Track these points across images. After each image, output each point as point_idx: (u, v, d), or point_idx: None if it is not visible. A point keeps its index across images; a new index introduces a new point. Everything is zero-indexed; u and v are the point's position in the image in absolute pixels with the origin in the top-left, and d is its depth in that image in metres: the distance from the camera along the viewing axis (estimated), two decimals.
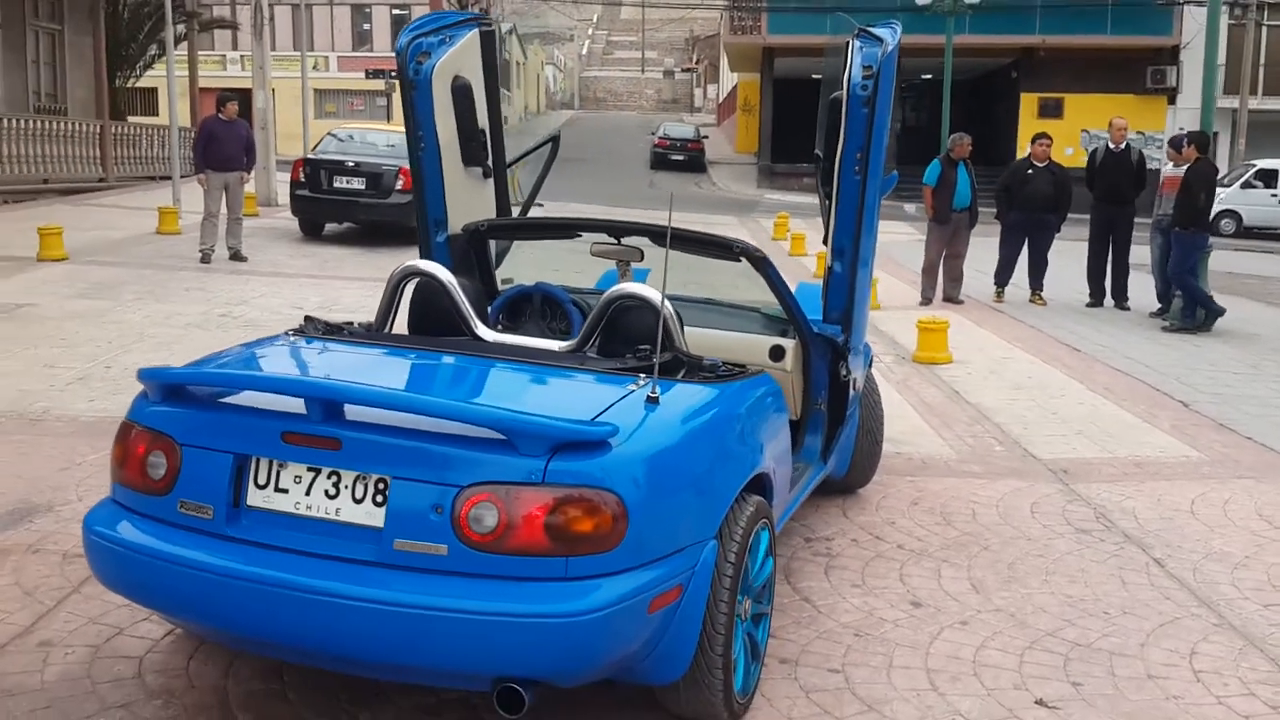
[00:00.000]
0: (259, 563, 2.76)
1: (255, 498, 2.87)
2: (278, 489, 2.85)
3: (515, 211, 5.65)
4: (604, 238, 4.64)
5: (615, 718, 3.34)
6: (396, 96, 38.26)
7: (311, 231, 15.55)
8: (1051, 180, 11.99)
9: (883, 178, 4.72)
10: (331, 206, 15.04)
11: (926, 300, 12.04)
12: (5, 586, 4.05)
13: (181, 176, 17.45)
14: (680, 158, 38.22)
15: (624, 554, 2.76)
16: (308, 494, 2.82)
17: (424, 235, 4.93)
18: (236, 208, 13.06)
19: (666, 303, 3.66)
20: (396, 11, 38.58)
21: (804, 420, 4.84)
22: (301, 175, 15.03)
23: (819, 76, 38.09)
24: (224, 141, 12.79)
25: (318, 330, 3.68)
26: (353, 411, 2.81)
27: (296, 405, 2.83)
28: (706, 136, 42.64)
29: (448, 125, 4.84)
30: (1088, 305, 12.15)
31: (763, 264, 4.30)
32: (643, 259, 4.73)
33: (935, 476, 5.91)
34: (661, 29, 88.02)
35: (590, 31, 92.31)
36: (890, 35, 4.64)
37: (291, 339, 3.61)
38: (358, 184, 14.66)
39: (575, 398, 3.17)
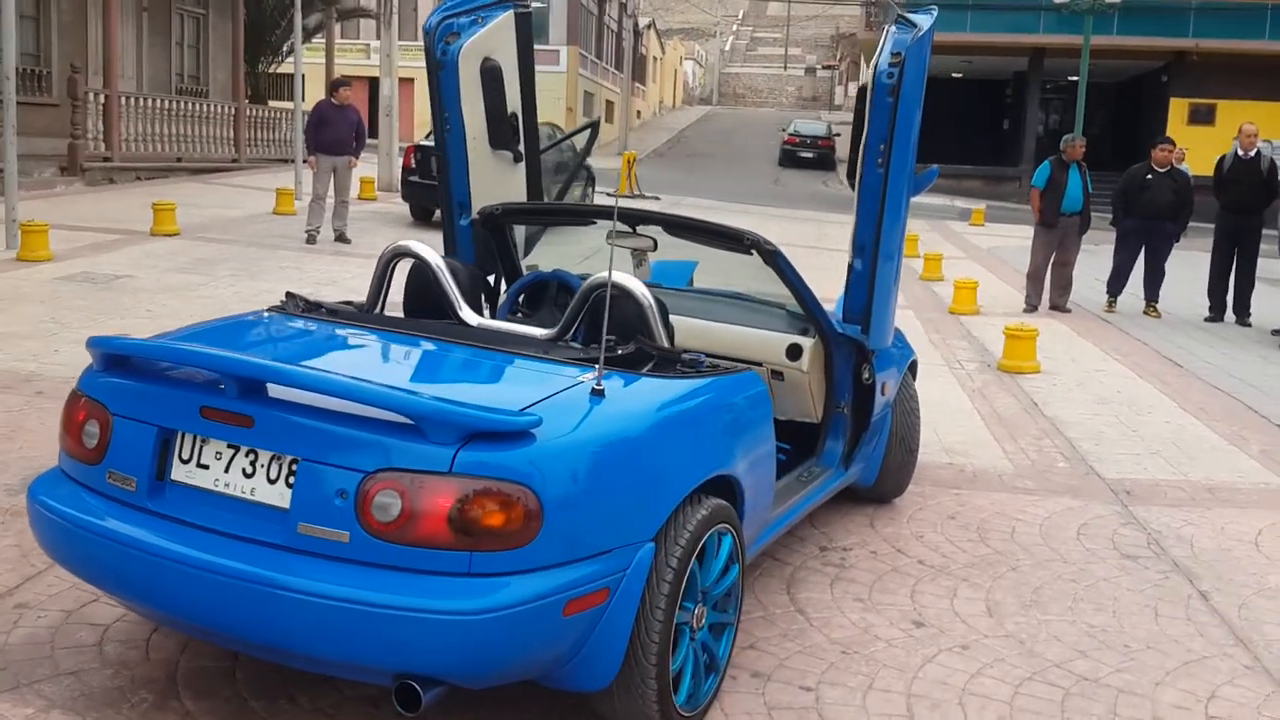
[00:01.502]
0: (171, 538, 2.72)
1: (179, 472, 2.83)
2: (199, 465, 2.81)
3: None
4: (621, 226, 4.52)
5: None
6: None
7: (422, 217, 15.78)
8: (1172, 187, 11.35)
9: (914, 172, 4.46)
10: None
11: (1031, 308, 11.53)
12: (5, 548, 4.14)
13: (305, 160, 17.91)
14: (809, 155, 37.66)
15: (537, 552, 2.63)
16: (226, 471, 2.77)
17: (447, 218, 4.88)
18: (343, 191, 13.33)
19: (645, 291, 3.52)
20: (536, 4, 38.92)
21: (825, 423, 4.63)
22: (412, 161, 15.28)
23: (959, 75, 37.10)
24: (334, 126, 13.04)
25: (297, 307, 3.65)
26: (272, 390, 2.75)
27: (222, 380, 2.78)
28: (839, 134, 41.85)
29: (475, 108, 4.77)
30: (1206, 319, 11.45)
31: (774, 257, 4.11)
32: (656, 248, 4.58)
33: (983, 490, 5.60)
34: (807, 26, 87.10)
35: (735, 28, 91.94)
36: (925, 21, 4.37)
37: (265, 315, 3.59)
38: None
39: (517, 386, 3.05)
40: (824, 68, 76.68)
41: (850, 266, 4.48)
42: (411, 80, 31.57)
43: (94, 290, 9.19)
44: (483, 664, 2.62)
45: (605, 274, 3.61)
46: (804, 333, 4.50)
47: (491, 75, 4.79)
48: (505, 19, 4.86)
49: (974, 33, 29.92)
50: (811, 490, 4.39)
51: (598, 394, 2.94)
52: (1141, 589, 4.46)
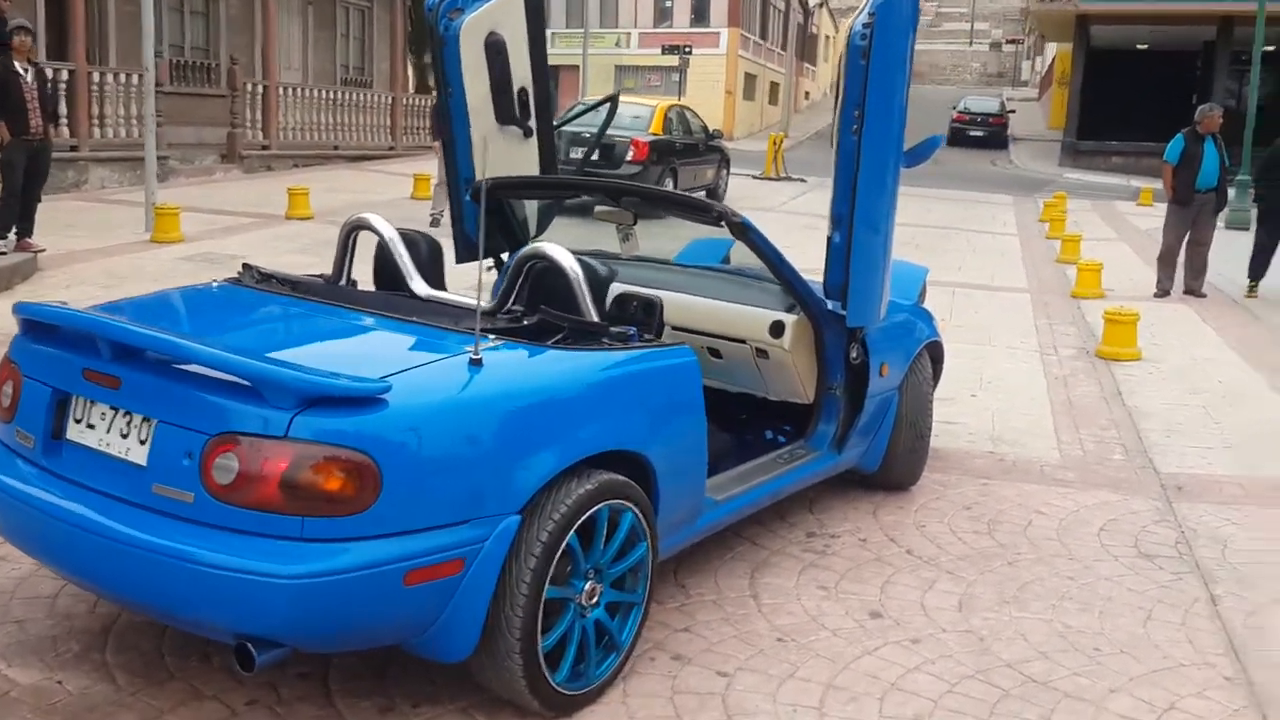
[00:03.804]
0: (52, 491, 2.87)
1: (72, 432, 2.97)
2: (88, 425, 2.94)
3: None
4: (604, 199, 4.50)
5: None
6: (690, 72, 37.95)
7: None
8: None
9: (901, 141, 4.21)
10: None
11: (1163, 291, 10.86)
12: None
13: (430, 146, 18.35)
14: (979, 133, 36.41)
15: (374, 520, 2.65)
16: (109, 432, 2.89)
17: (454, 193, 4.94)
18: None
19: (573, 264, 3.48)
20: None
21: (816, 404, 4.50)
22: None
23: (1144, 46, 35.03)
24: None
25: (253, 279, 3.76)
26: (138, 354, 2.85)
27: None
28: (1014, 111, 40.35)
29: (478, 83, 4.80)
30: None
31: (744, 230, 4.01)
32: (635, 222, 4.54)
33: (1014, 481, 5.32)
34: None
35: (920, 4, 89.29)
36: None
37: (214, 286, 3.72)
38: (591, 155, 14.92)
39: (397, 354, 3.08)
40: (1008, 42, 73.69)
41: (829, 240, 4.28)
42: (570, 68, 31.88)
43: (209, 269, 9.66)
44: (314, 628, 2.66)
45: (538, 245, 3.61)
46: (792, 310, 4.37)
47: (495, 50, 4.80)
48: None
49: (1154, 1, 28.23)
50: (790, 470, 4.27)
51: (476, 364, 2.94)
52: (1144, 590, 4.15)
